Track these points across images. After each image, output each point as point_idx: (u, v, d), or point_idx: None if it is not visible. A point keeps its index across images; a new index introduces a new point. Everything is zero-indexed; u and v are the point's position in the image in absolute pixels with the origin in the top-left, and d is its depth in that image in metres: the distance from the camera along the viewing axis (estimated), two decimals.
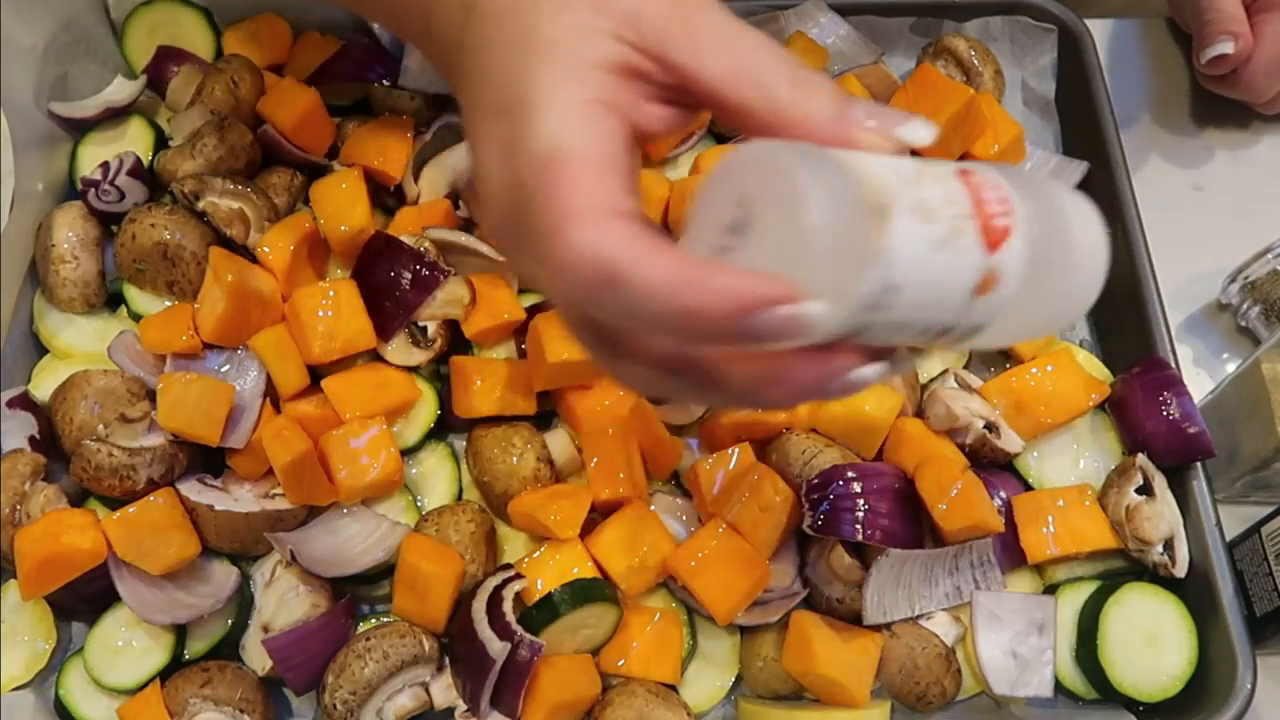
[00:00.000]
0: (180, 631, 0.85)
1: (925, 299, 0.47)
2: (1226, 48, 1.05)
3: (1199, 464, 0.90)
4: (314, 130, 1.02)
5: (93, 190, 0.96)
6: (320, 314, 0.90)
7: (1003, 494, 0.89)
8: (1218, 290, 1.04)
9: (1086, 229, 0.54)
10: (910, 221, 0.45)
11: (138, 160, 0.98)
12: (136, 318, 0.96)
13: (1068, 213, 0.54)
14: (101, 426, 0.88)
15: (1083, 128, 1.09)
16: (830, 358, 0.48)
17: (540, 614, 0.81)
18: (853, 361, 0.49)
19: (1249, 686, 0.82)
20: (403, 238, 0.92)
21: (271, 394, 0.91)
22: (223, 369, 0.91)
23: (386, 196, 1.01)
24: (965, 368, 0.98)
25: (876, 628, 0.84)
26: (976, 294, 0.48)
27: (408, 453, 0.93)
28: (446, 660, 0.85)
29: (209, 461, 0.91)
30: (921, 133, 0.51)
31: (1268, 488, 0.92)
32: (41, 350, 0.98)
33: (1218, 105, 1.14)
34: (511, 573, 0.84)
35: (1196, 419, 0.89)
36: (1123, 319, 1.00)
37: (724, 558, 0.84)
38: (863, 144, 0.50)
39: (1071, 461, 0.93)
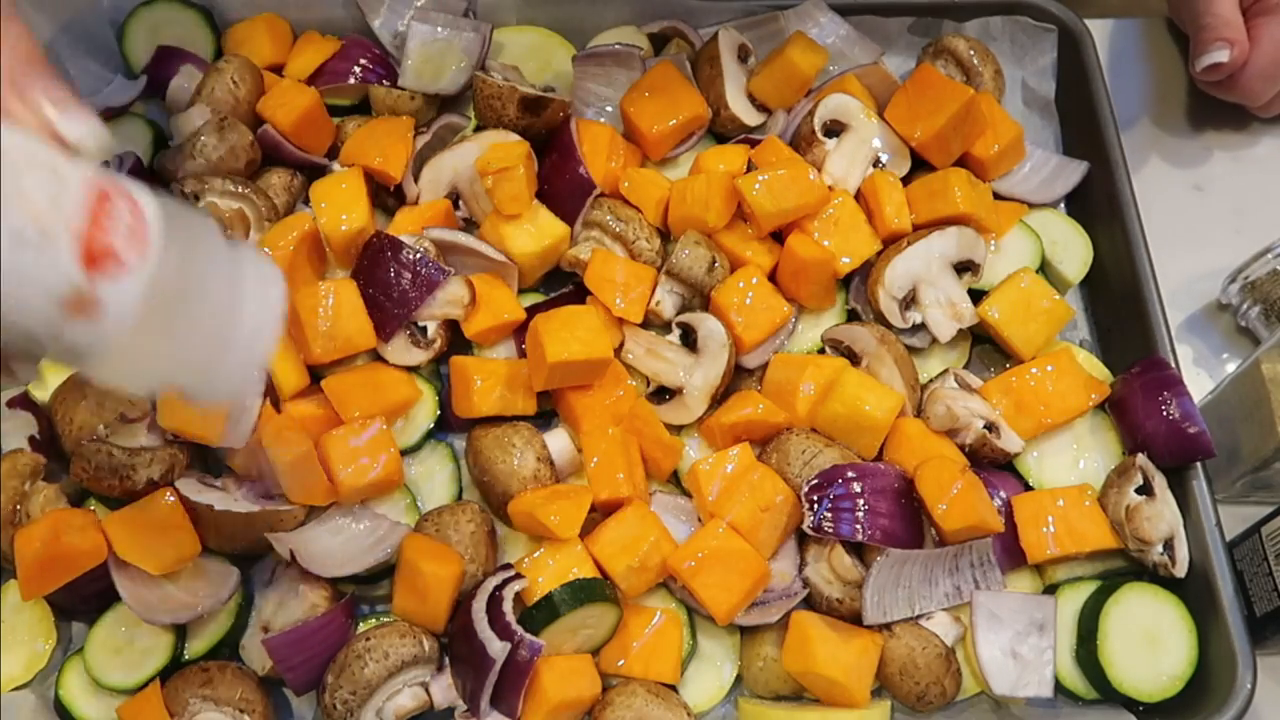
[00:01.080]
0: (180, 631, 0.85)
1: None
2: (1221, 56, 1.04)
3: (1199, 464, 0.90)
4: (314, 130, 1.02)
5: None
6: (320, 314, 0.90)
7: (1003, 494, 0.89)
8: (1218, 290, 1.04)
9: (260, 312, 0.52)
10: None
11: (138, 160, 0.98)
12: None
13: (243, 286, 0.51)
14: (101, 426, 0.87)
15: (1083, 128, 1.09)
16: None
17: (540, 614, 0.82)
18: None
19: (1249, 686, 0.82)
20: (403, 238, 0.92)
21: (271, 394, 0.91)
22: None
23: (386, 196, 1.01)
24: (965, 368, 0.98)
25: (876, 628, 0.84)
26: (70, 312, 0.45)
27: (408, 452, 0.93)
28: (446, 660, 0.85)
29: (209, 461, 0.91)
30: (86, 136, 0.50)
31: (1268, 488, 0.92)
32: None
33: (1217, 106, 1.14)
34: (511, 573, 0.84)
35: (1196, 419, 0.89)
36: (1123, 319, 1.00)
37: (724, 558, 0.84)
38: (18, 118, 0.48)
39: (1071, 461, 0.93)
